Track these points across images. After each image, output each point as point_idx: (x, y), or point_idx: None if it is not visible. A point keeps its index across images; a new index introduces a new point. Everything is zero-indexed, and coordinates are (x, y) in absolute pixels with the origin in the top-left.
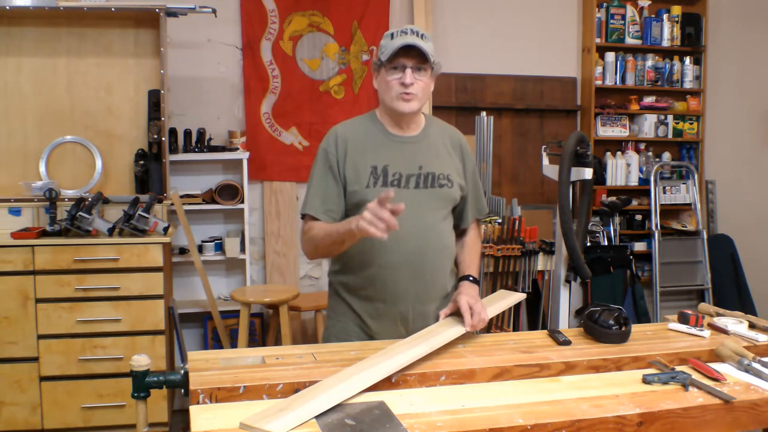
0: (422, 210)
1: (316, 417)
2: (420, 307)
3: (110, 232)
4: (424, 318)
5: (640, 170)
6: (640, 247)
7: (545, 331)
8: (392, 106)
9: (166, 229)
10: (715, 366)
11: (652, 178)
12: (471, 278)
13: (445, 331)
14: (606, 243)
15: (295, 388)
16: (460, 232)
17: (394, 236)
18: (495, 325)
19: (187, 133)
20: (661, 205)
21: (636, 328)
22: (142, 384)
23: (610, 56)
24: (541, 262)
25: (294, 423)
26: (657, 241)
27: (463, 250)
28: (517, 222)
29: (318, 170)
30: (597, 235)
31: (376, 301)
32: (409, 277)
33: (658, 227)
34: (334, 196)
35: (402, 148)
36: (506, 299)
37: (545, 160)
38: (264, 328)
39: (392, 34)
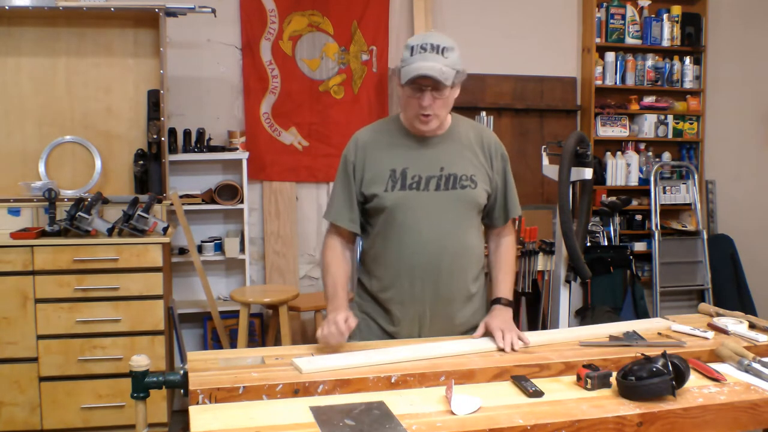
0: (442, 212)
1: (316, 417)
2: (437, 309)
3: (110, 232)
4: (442, 320)
5: (640, 170)
6: (640, 247)
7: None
8: (411, 125)
9: (165, 229)
10: (716, 366)
11: (652, 178)
12: (503, 301)
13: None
14: (606, 243)
15: (294, 389)
16: (494, 234)
17: (413, 238)
18: None
19: (187, 133)
20: (661, 205)
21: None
22: (141, 384)
23: (610, 56)
24: (541, 262)
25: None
26: (657, 241)
27: (495, 265)
28: (517, 222)
29: (340, 178)
30: (597, 235)
31: (394, 302)
32: (426, 279)
33: (658, 227)
34: (354, 204)
35: (423, 150)
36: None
37: (545, 160)
38: (263, 329)
39: (412, 48)
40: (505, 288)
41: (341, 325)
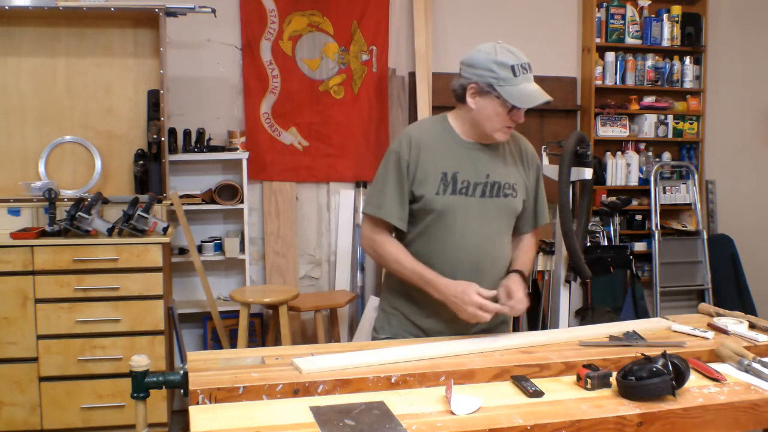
0: (486, 219)
1: (316, 417)
2: None
3: (109, 232)
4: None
5: (640, 170)
6: (640, 247)
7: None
8: (491, 135)
9: (165, 230)
10: (716, 366)
11: (652, 178)
12: (518, 272)
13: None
14: (606, 243)
15: (294, 389)
16: (516, 238)
17: (457, 243)
18: None
19: (187, 133)
20: (661, 205)
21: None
22: (141, 384)
23: (610, 56)
24: (541, 262)
25: (322, 367)
26: (657, 241)
27: (516, 251)
28: None
29: (392, 174)
30: (597, 235)
31: (430, 301)
32: (467, 280)
33: (658, 227)
34: (405, 202)
35: (471, 155)
36: None
37: (545, 160)
38: (263, 329)
39: (513, 68)
40: (523, 265)
41: (486, 303)
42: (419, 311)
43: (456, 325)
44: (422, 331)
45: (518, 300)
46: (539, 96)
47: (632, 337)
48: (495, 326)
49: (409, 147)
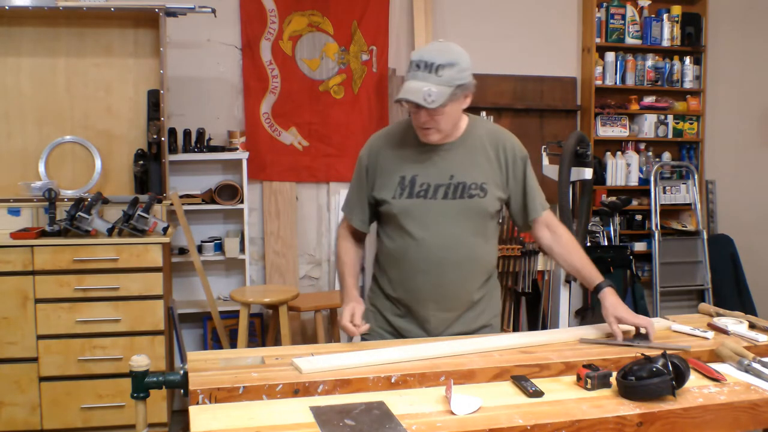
0: (448, 221)
1: (316, 417)
2: (440, 314)
3: (109, 232)
4: (446, 324)
5: (640, 170)
6: (640, 247)
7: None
8: (418, 135)
9: (165, 230)
10: (716, 366)
11: (652, 178)
12: (603, 285)
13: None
14: (606, 243)
15: (294, 389)
16: (540, 230)
17: (419, 246)
18: None
19: (187, 133)
20: (661, 205)
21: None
22: (141, 384)
23: (610, 56)
24: (541, 262)
25: (322, 367)
26: (657, 241)
27: (566, 255)
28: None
29: (355, 178)
30: (597, 235)
31: (402, 303)
32: (429, 286)
33: (658, 227)
34: (365, 206)
35: (434, 157)
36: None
37: (545, 160)
38: (263, 329)
39: (410, 64)
40: (594, 272)
41: (349, 327)
42: (393, 309)
43: (428, 326)
44: (395, 329)
45: (640, 324)
46: (410, 93)
47: (638, 337)
48: (475, 330)
49: (369, 152)
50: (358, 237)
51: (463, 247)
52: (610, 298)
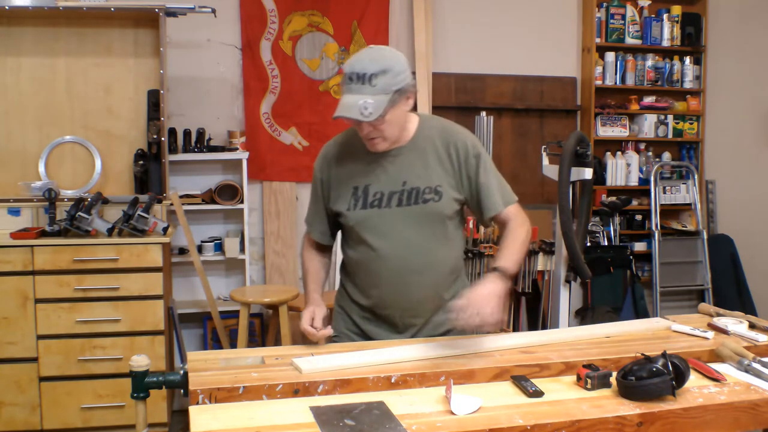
0: (405, 229)
1: (316, 417)
2: (409, 319)
3: (109, 232)
4: (416, 328)
5: (640, 170)
6: (640, 247)
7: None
8: (366, 145)
9: (165, 229)
10: (716, 366)
11: (652, 178)
12: (497, 269)
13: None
14: (606, 243)
15: (294, 389)
16: (499, 228)
17: (378, 256)
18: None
19: (187, 133)
20: (661, 205)
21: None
22: (141, 384)
23: (610, 56)
24: (541, 262)
25: (322, 367)
26: (657, 241)
27: (501, 241)
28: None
29: (312, 191)
30: (597, 235)
31: (368, 309)
32: (393, 294)
33: (658, 227)
34: (324, 218)
35: (385, 164)
36: None
37: (545, 160)
38: (263, 329)
39: (345, 76)
40: (504, 256)
41: (309, 330)
42: (361, 313)
43: (397, 330)
44: (364, 332)
45: (471, 315)
46: (346, 109)
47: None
48: (447, 332)
49: (321, 165)
50: (322, 248)
51: (422, 253)
52: (481, 282)
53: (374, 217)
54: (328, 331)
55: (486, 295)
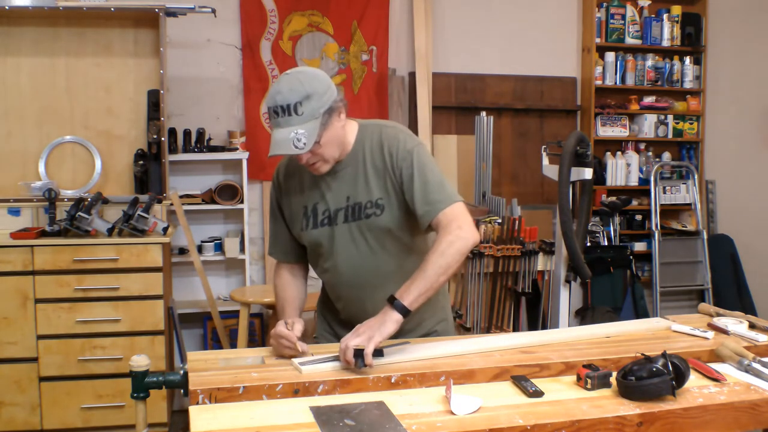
0: (357, 244)
1: (316, 417)
2: None
3: (109, 232)
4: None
5: (640, 170)
6: (640, 247)
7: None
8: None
9: (165, 230)
10: (715, 366)
11: (652, 178)
12: (392, 301)
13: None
14: (606, 243)
15: (294, 389)
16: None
17: (334, 274)
18: (495, 325)
19: (187, 133)
20: (661, 205)
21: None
22: (141, 384)
23: (610, 56)
24: (541, 262)
25: (322, 367)
26: (657, 241)
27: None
28: (517, 222)
29: (270, 211)
30: (597, 235)
31: (345, 313)
32: (353, 306)
33: (658, 227)
34: (286, 239)
35: (330, 181)
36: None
37: (545, 160)
38: (264, 329)
39: (269, 111)
40: (405, 288)
41: (285, 332)
42: (335, 317)
43: None
44: (338, 336)
45: (343, 353)
46: (279, 147)
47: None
48: (412, 336)
49: (274, 186)
50: (294, 272)
51: (376, 266)
52: (378, 315)
53: (325, 235)
54: (305, 347)
55: (370, 327)
